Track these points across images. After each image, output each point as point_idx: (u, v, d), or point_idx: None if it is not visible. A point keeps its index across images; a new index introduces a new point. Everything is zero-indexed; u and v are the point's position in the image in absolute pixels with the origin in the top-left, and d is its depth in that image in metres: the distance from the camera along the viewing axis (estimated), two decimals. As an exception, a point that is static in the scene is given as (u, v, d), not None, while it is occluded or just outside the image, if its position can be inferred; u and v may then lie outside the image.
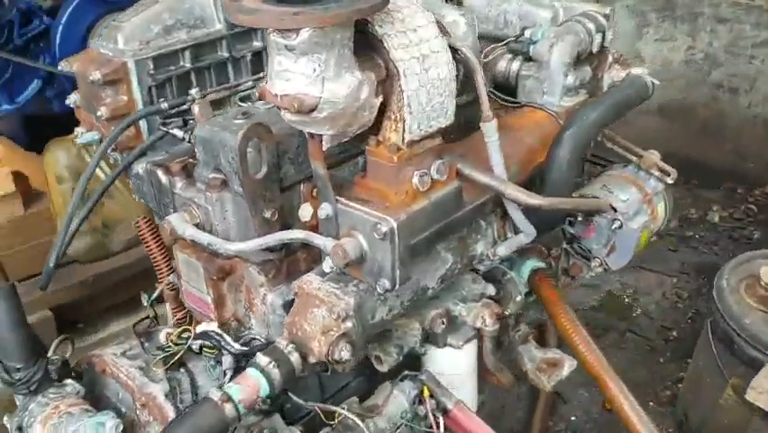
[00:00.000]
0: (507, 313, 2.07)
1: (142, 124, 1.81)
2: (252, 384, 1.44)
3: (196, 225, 1.62)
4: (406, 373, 1.78)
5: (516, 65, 1.90)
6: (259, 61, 1.95)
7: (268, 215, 1.54)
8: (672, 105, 5.25)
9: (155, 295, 1.95)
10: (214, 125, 1.55)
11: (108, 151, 1.79)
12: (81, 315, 3.57)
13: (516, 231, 1.75)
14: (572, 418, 3.16)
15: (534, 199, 1.50)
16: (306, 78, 1.28)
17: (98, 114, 1.75)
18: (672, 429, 3.08)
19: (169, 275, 1.90)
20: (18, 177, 3.19)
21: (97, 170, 1.82)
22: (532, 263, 1.96)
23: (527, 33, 1.88)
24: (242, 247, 1.53)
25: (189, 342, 1.66)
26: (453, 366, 1.90)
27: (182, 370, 1.69)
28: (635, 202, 1.88)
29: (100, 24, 2.88)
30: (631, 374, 3.10)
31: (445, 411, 1.76)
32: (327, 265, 1.53)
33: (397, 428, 1.72)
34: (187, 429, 1.36)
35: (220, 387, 1.42)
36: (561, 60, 1.80)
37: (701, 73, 5.17)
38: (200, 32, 1.85)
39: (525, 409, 2.95)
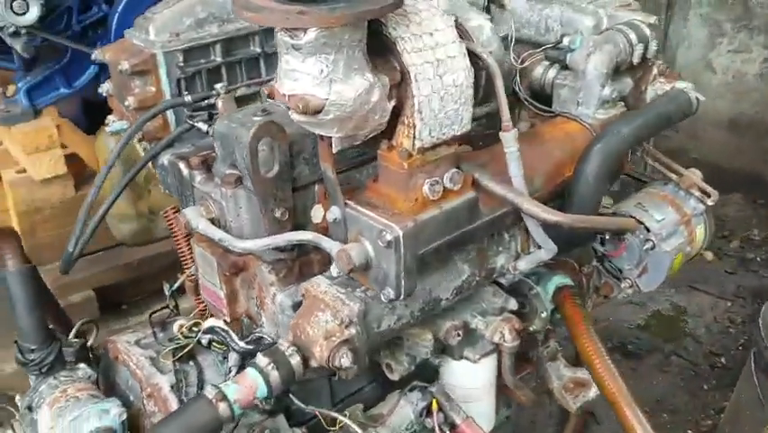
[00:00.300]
0: (531, 329, 2.00)
1: (170, 115, 1.82)
2: (250, 384, 1.43)
3: (212, 220, 1.61)
4: (416, 383, 1.74)
5: (552, 73, 1.83)
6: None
7: (278, 214, 1.52)
8: (742, 119, 5.02)
9: (176, 285, 1.96)
10: (232, 121, 1.54)
11: (136, 140, 1.82)
12: (125, 297, 3.64)
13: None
14: (605, 439, 3.06)
15: (552, 216, 1.44)
16: (314, 79, 1.25)
17: (126, 103, 1.77)
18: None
19: (191, 267, 1.91)
20: (71, 159, 3.27)
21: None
22: (558, 280, 1.89)
23: (566, 41, 1.80)
24: (250, 246, 1.51)
25: (198, 336, 1.66)
26: (470, 380, 1.85)
27: (191, 363, 1.69)
28: (670, 223, 1.79)
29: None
30: (671, 400, 2.97)
31: (453, 426, 1.72)
32: (335, 269, 1.50)
33: (402, 439, 1.69)
34: (179, 425, 1.35)
35: (217, 385, 1.41)
36: (597, 71, 1.72)
37: (777, 87, 4.93)
38: (232, 27, 1.84)
39: (555, 428, 2.86)
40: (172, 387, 1.62)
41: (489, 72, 1.41)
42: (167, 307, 1.93)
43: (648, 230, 1.77)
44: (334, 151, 1.41)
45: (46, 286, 1.95)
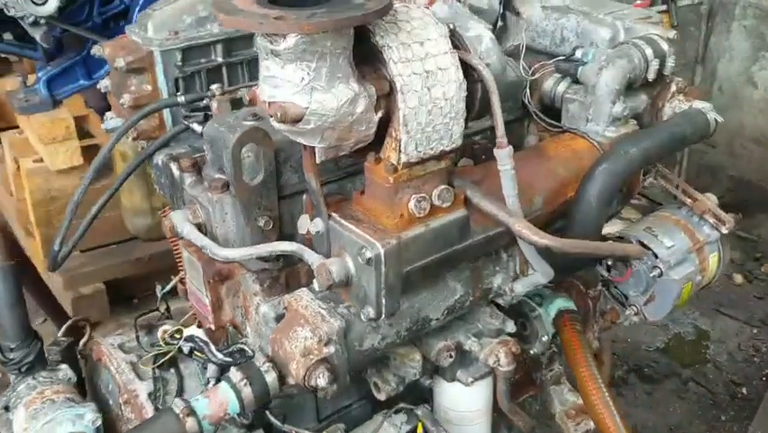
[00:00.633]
0: (532, 352, 1.92)
1: (166, 115, 1.78)
2: (221, 400, 1.38)
3: (198, 225, 1.57)
4: (402, 406, 1.67)
5: (562, 86, 1.74)
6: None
7: (261, 223, 1.47)
8: (783, 137, 4.83)
9: (168, 288, 1.93)
10: (221, 124, 1.49)
11: (130, 138, 1.78)
12: (136, 291, 3.63)
13: (541, 266, 1.60)
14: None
15: (543, 239, 1.36)
16: (294, 87, 1.19)
17: (121, 101, 1.74)
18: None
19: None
20: (88, 150, 3.26)
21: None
22: (560, 303, 1.81)
23: (578, 53, 1.72)
24: (232, 255, 1.46)
25: (179, 343, 1.62)
26: (464, 402, 1.78)
27: (172, 370, 1.65)
28: (680, 250, 1.69)
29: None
30: (687, 429, 2.86)
31: (439, 452, 1.65)
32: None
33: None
34: (142, 440, 1.31)
35: (187, 399, 1.37)
36: (609, 86, 1.63)
37: (822, 105, 4.73)
38: (234, 26, 1.79)
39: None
40: (150, 395, 1.58)
41: (484, 86, 1.34)
42: (156, 309, 1.90)
43: (656, 256, 1.67)
44: (318, 161, 1.35)
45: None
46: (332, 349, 1.40)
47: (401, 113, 1.24)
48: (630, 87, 1.67)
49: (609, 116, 1.65)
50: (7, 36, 3.20)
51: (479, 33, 1.43)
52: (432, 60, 1.25)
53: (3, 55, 3.45)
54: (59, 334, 1.85)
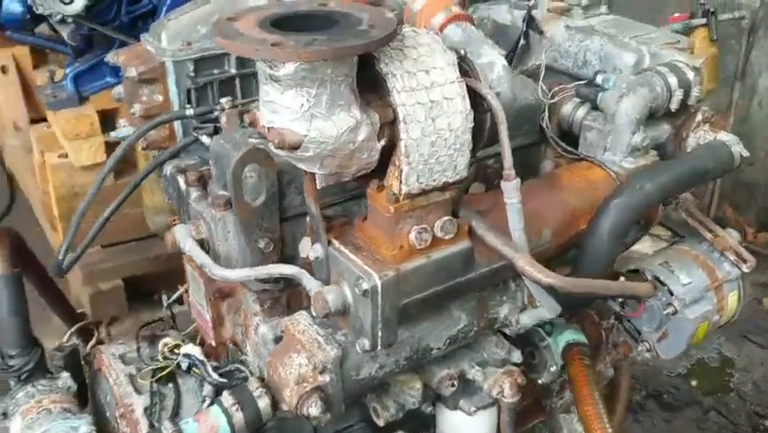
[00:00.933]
0: (540, 381, 1.87)
1: (177, 125, 1.76)
2: (211, 424, 1.36)
3: (201, 241, 1.55)
4: (400, 433, 1.64)
5: (581, 112, 1.68)
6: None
7: (262, 244, 1.44)
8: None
9: (174, 297, 1.92)
10: (227, 140, 1.47)
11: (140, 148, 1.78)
12: (157, 288, 3.64)
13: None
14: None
15: (546, 277, 1.31)
16: (293, 113, 1.16)
17: (132, 110, 1.73)
18: None
19: (193, 279, 1.86)
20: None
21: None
22: (570, 335, 1.75)
23: (599, 78, 1.66)
24: (230, 275, 1.44)
25: (178, 359, 1.60)
26: (467, 431, 1.74)
27: (170, 385, 1.63)
28: (698, 288, 1.62)
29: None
30: (704, 460, 2.77)
31: (436, 483, 1.61)
32: (316, 309, 1.41)
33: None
34: (129, 462, 1.29)
35: (176, 422, 1.35)
36: (628, 116, 1.57)
37: None
38: (249, 38, 1.77)
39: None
40: (146, 410, 1.56)
41: (493, 116, 1.29)
42: (160, 319, 1.89)
43: (671, 293, 1.61)
44: (319, 186, 1.32)
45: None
46: (327, 378, 1.38)
47: (403, 143, 1.20)
48: (652, 117, 1.61)
49: (628, 146, 1.59)
50: (42, 29, 3.24)
51: (491, 60, 1.38)
52: (438, 90, 1.21)
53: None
54: (64, 339, 1.85)
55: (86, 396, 1.81)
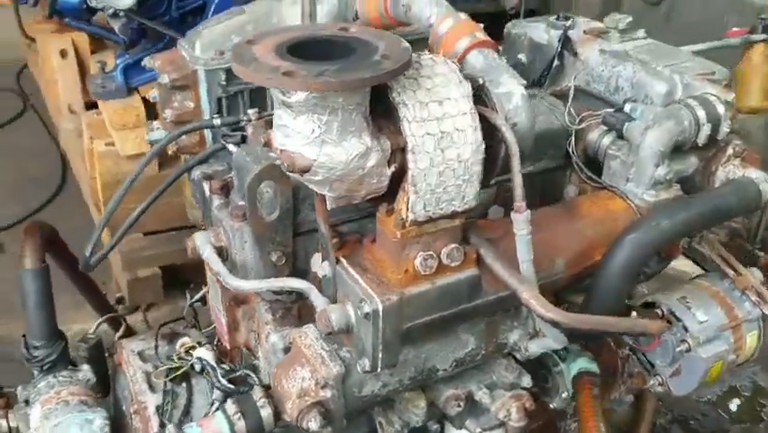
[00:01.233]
0: (551, 406, 1.86)
1: (207, 132, 1.80)
2: (213, 431, 1.40)
3: (220, 249, 1.58)
4: (403, 451, 1.65)
5: (607, 140, 1.66)
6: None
7: (274, 258, 1.47)
8: None
9: (198, 297, 1.96)
10: (249, 153, 1.50)
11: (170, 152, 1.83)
12: (194, 278, 3.72)
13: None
14: None
15: (549, 312, 1.30)
16: (304, 138, 1.18)
17: (164, 115, 1.77)
18: None
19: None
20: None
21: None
22: (582, 363, 1.73)
23: (627, 107, 1.63)
24: (242, 285, 1.48)
25: (192, 361, 1.65)
26: (473, 450, 1.74)
27: (184, 384, 1.68)
28: (714, 326, 1.59)
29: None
30: (726, 493, 2.70)
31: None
32: (324, 324, 1.44)
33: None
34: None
35: (180, 426, 1.39)
36: (653, 148, 1.54)
37: None
38: (281, 49, 1.79)
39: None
40: (158, 408, 1.62)
41: (506, 147, 1.29)
42: (182, 318, 1.94)
43: (686, 330, 1.58)
44: (329, 207, 1.34)
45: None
46: (328, 394, 1.40)
47: (411, 173, 1.21)
48: (678, 150, 1.58)
49: (651, 179, 1.56)
50: (99, 18, 3.34)
51: (509, 90, 1.38)
52: (449, 121, 1.21)
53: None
54: (90, 331, 1.92)
55: (108, 386, 1.87)
